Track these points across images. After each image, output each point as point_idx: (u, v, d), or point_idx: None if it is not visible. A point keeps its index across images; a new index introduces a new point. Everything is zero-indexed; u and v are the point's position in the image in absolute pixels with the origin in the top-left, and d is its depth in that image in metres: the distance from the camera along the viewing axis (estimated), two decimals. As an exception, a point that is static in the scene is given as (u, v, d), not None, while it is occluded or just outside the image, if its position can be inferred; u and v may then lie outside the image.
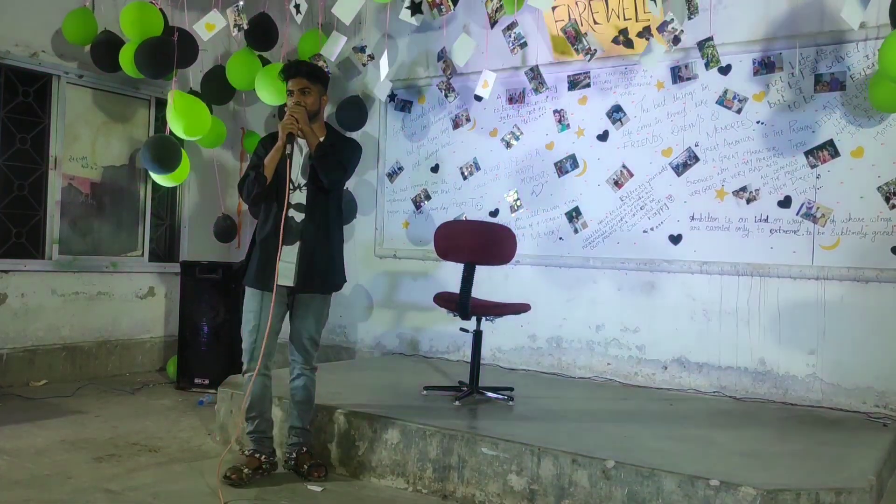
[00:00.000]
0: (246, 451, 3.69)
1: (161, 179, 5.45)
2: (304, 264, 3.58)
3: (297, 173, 3.62)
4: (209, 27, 5.23)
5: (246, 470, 3.57)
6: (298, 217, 3.60)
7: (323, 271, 3.65)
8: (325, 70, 5.71)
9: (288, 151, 3.54)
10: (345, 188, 4.07)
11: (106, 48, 5.49)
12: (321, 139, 3.63)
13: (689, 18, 4.51)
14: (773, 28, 4.69)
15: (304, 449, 3.74)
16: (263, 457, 3.66)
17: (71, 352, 5.84)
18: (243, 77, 5.69)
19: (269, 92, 5.51)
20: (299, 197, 3.61)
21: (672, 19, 4.51)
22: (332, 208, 3.70)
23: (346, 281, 3.87)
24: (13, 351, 5.49)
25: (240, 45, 5.91)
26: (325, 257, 3.65)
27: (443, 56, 5.56)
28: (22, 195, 5.63)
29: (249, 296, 3.67)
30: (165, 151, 5.20)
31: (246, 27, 5.44)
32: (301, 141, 3.62)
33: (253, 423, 3.68)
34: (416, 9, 4.84)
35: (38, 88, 5.71)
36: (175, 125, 5.17)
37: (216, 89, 5.85)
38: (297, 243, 3.59)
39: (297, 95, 3.60)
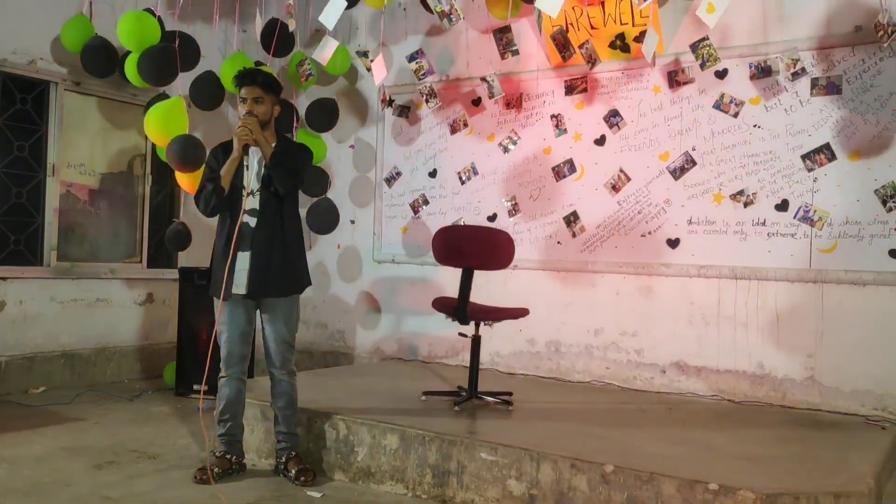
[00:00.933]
0: (217, 453, 3.76)
1: (184, 180, 5.42)
2: (257, 270, 3.62)
3: (249, 180, 3.65)
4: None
5: (216, 470, 3.66)
6: (252, 222, 3.64)
7: (278, 275, 3.66)
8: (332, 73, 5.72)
9: (246, 163, 3.62)
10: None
11: (97, 53, 5.46)
12: (273, 144, 3.68)
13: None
14: (768, 33, 4.70)
15: (293, 453, 3.78)
16: (234, 458, 3.76)
17: (69, 359, 5.83)
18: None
19: None
20: (252, 203, 3.66)
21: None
22: (286, 212, 3.74)
23: (309, 283, 3.88)
24: (12, 358, 5.49)
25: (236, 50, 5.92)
26: (279, 261, 3.67)
27: (416, 58, 5.52)
28: (20, 202, 5.63)
29: (217, 305, 3.72)
30: (192, 150, 5.13)
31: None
32: (253, 147, 3.67)
33: (225, 427, 3.76)
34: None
35: (35, 95, 5.71)
36: (154, 132, 5.14)
37: (205, 95, 5.82)
38: (251, 249, 3.63)
39: (249, 104, 3.64)
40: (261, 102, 3.66)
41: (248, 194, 3.64)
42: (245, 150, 3.60)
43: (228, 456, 3.75)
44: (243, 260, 3.63)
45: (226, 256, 3.64)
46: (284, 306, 3.75)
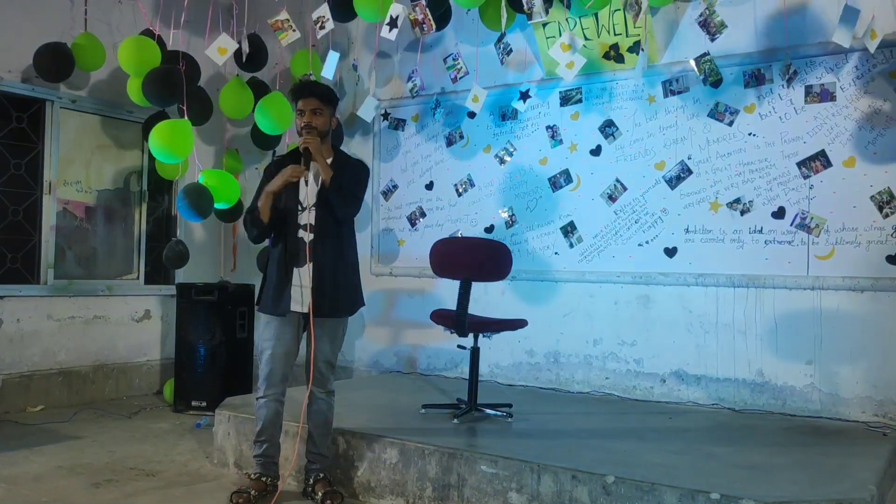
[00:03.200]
0: (252, 475, 3.66)
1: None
2: (317, 287, 3.52)
3: (305, 195, 3.58)
4: (221, 51, 5.22)
5: (253, 492, 3.55)
6: (308, 238, 3.55)
7: (335, 294, 3.56)
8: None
9: (305, 178, 3.54)
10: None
11: (48, 56, 5.39)
12: (329, 161, 3.59)
13: (713, 39, 4.39)
14: (762, 41, 4.72)
15: (322, 475, 3.67)
16: (269, 479, 3.63)
17: (67, 376, 5.82)
18: (235, 106, 5.76)
19: (269, 120, 5.54)
20: (308, 217, 3.56)
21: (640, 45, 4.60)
22: (344, 228, 3.64)
23: (363, 304, 3.78)
24: (9, 377, 5.47)
25: (227, 69, 5.95)
26: (337, 279, 3.57)
27: (411, 77, 5.59)
28: (16, 220, 5.63)
29: (265, 322, 3.64)
30: (202, 199, 5.32)
31: (248, 51, 5.51)
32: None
33: (261, 447, 3.64)
34: (393, 24, 4.87)
35: (31, 114, 5.72)
36: (160, 150, 5.21)
37: (196, 109, 5.86)
38: (309, 266, 3.53)
39: (308, 116, 3.55)
40: (320, 114, 3.57)
41: (305, 209, 3.57)
42: (307, 163, 3.52)
43: (264, 478, 3.62)
44: (303, 276, 3.53)
45: (281, 272, 3.57)
46: (333, 325, 3.63)
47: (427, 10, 4.84)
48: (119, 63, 5.34)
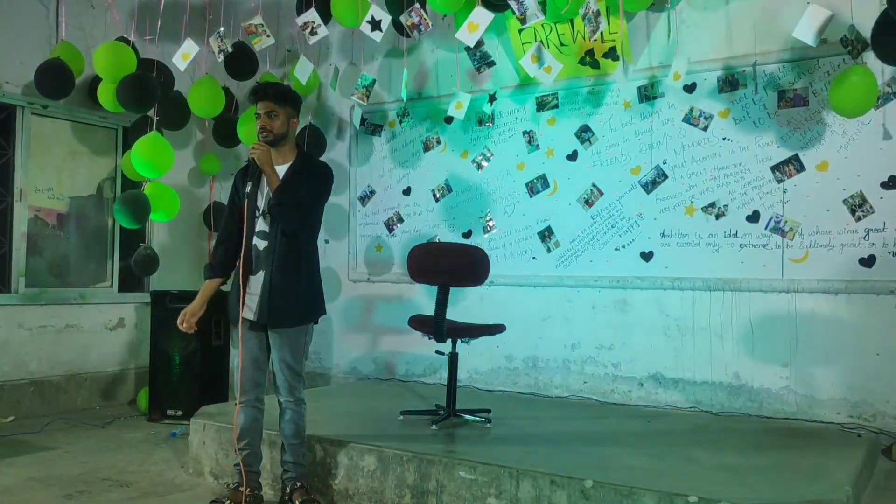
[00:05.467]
0: (231, 484, 3.60)
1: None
2: (266, 296, 3.45)
3: (261, 200, 3.53)
4: (185, 57, 5.21)
5: (228, 502, 3.49)
6: (262, 245, 3.50)
7: (286, 303, 3.47)
8: None
9: (259, 186, 3.54)
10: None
11: (52, 74, 5.33)
12: (289, 164, 3.55)
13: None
14: (736, 46, 4.76)
15: (298, 484, 3.60)
16: (248, 490, 3.55)
17: (39, 386, 5.72)
18: (206, 104, 5.72)
19: (251, 136, 5.53)
20: (262, 224, 3.51)
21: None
22: (300, 234, 3.54)
23: (323, 313, 3.69)
24: (-21, 387, 5.37)
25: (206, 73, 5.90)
26: (288, 288, 3.47)
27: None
28: (-14, 228, 5.54)
29: (233, 330, 3.61)
30: (139, 206, 5.32)
31: (231, 50, 5.40)
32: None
33: (240, 455, 3.58)
34: (377, 26, 4.84)
35: (2, 119, 5.63)
36: (141, 165, 5.19)
37: (174, 115, 5.80)
38: (261, 273, 3.48)
39: (263, 119, 3.49)
40: (275, 117, 3.48)
41: (260, 215, 3.50)
42: (254, 175, 3.51)
43: (241, 488, 3.54)
44: (255, 284, 3.47)
45: (238, 279, 3.52)
46: (293, 333, 3.54)
47: (423, 11, 4.75)
48: (94, 68, 5.28)
